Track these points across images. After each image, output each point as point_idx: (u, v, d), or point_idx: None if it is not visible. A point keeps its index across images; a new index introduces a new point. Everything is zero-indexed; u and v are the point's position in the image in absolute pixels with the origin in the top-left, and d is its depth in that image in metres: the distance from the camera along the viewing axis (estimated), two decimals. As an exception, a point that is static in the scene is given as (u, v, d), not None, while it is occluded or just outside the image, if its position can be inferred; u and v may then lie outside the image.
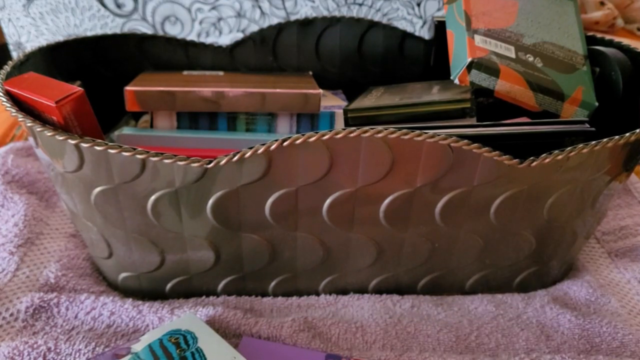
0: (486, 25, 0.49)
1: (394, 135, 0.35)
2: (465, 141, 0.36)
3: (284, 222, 0.40)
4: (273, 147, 0.35)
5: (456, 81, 0.46)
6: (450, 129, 0.38)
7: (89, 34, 0.62)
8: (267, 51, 0.63)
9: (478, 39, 0.47)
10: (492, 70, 0.45)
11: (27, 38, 0.80)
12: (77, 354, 0.40)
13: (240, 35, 0.78)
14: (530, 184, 0.39)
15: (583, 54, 0.50)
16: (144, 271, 0.44)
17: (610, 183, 0.41)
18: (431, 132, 0.36)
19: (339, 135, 0.35)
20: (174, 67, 0.61)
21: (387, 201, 0.39)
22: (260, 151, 0.35)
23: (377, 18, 0.82)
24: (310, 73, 0.63)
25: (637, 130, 0.38)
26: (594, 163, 0.39)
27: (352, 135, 0.35)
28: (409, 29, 0.82)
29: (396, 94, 0.53)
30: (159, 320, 0.43)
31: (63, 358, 0.39)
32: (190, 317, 0.41)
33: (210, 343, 0.38)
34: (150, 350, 0.37)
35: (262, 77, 0.57)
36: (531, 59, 0.47)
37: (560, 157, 0.37)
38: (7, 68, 0.42)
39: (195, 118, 0.52)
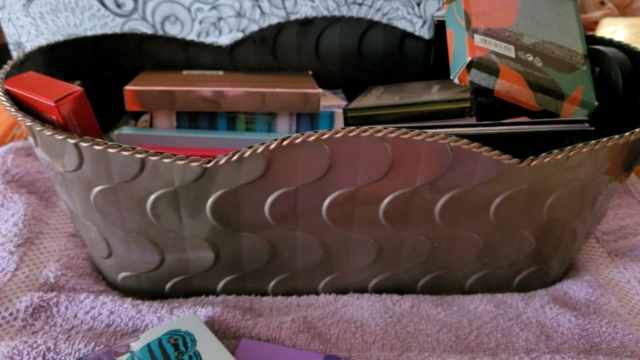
0: (486, 24, 0.49)
1: (393, 135, 0.35)
2: (465, 140, 0.36)
3: (284, 221, 0.40)
4: (272, 146, 0.35)
5: (456, 80, 0.46)
6: (450, 129, 0.38)
7: (89, 33, 0.62)
8: (267, 51, 0.63)
9: (478, 38, 0.47)
10: (492, 70, 0.45)
11: (27, 38, 0.80)
12: (77, 353, 0.39)
13: (240, 35, 0.78)
14: (530, 184, 0.39)
15: (583, 54, 0.50)
16: (144, 271, 0.44)
17: (610, 183, 0.41)
18: (430, 131, 0.35)
19: (338, 135, 0.35)
20: (173, 66, 0.61)
21: (386, 201, 0.39)
22: (259, 150, 0.35)
23: (377, 18, 0.82)
24: (310, 73, 0.63)
25: (637, 130, 0.38)
26: (594, 162, 0.39)
27: (351, 134, 0.35)
28: (409, 28, 0.82)
29: (396, 93, 0.53)
30: (158, 320, 0.43)
31: (62, 357, 0.39)
32: (191, 317, 0.40)
33: (209, 347, 0.38)
34: (149, 350, 0.37)
35: (261, 77, 0.56)
36: (531, 58, 0.47)
37: (559, 156, 0.37)
38: (6, 67, 0.42)
39: (194, 118, 0.52)
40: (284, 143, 0.35)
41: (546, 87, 0.45)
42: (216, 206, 0.39)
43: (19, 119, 0.36)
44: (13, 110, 0.36)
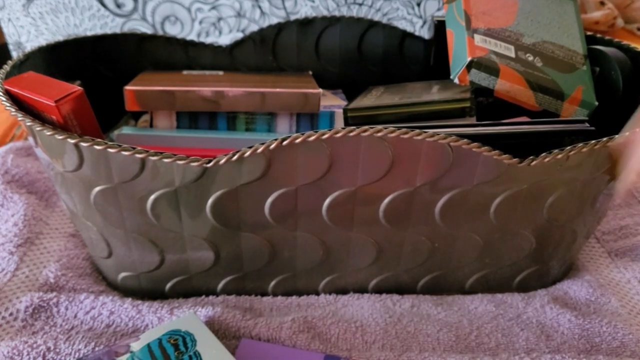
0: (486, 24, 0.49)
1: (393, 135, 0.35)
2: (465, 140, 0.36)
3: (284, 221, 0.40)
4: (272, 146, 0.35)
5: (456, 80, 0.46)
6: (450, 128, 0.38)
7: (89, 33, 0.62)
8: (267, 51, 0.63)
9: (478, 38, 0.47)
10: (492, 70, 0.45)
11: (27, 38, 0.80)
12: (77, 353, 0.39)
13: (240, 35, 0.78)
14: (530, 183, 0.39)
15: (583, 54, 0.50)
16: (144, 271, 0.44)
17: (610, 182, 0.41)
18: (431, 131, 0.35)
19: (338, 135, 0.35)
20: (173, 66, 0.61)
21: (386, 200, 0.39)
22: (259, 150, 0.35)
23: (377, 18, 0.82)
24: (310, 73, 0.63)
25: (637, 130, 0.38)
26: (594, 162, 0.39)
27: (351, 134, 0.35)
28: (409, 28, 0.82)
29: (396, 93, 0.53)
30: (158, 320, 0.43)
31: (62, 358, 0.39)
32: (191, 317, 0.40)
33: (209, 347, 0.38)
34: (149, 350, 0.37)
35: (261, 77, 0.56)
36: (531, 58, 0.47)
37: (560, 156, 0.37)
38: (6, 67, 0.42)
39: (195, 118, 0.52)
40: (284, 143, 0.35)
41: (546, 87, 0.45)
42: (216, 206, 0.39)
43: (19, 119, 0.36)
44: (13, 110, 0.36)
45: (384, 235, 0.42)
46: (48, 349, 0.39)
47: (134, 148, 0.35)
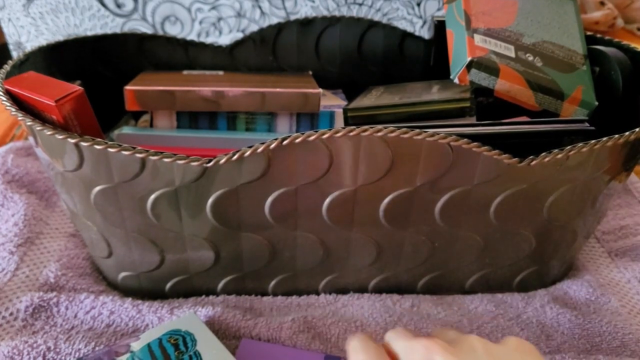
0: (486, 24, 0.49)
1: (393, 134, 0.35)
2: (465, 140, 0.36)
3: (284, 221, 0.40)
4: (273, 146, 0.35)
5: (456, 80, 0.46)
6: (450, 128, 0.38)
7: (89, 34, 0.62)
8: (267, 51, 0.63)
9: (478, 38, 0.47)
10: (492, 70, 0.45)
11: (27, 38, 0.80)
12: (77, 353, 0.39)
13: (240, 35, 0.78)
14: (530, 183, 0.39)
15: (583, 54, 0.50)
16: (144, 270, 0.44)
17: (610, 182, 0.41)
18: (431, 131, 0.35)
19: (338, 134, 0.35)
20: (174, 66, 0.61)
21: (386, 200, 0.39)
22: (259, 150, 0.35)
23: (377, 18, 0.82)
24: (310, 73, 0.63)
25: (637, 130, 0.38)
26: (594, 162, 0.39)
27: (351, 134, 0.35)
28: (409, 28, 0.82)
29: (396, 93, 0.53)
30: (158, 320, 0.43)
31: (63, 357, 0.39)
32: (191, 317, 0.40)
33: (209, 347, 0.38)
34: (149, 350, 0.37)
35: (261, 77, 0.57)
36: (531, 58, 0.47)
37: (560, 156, 0.37)
38: (7, 67, 0.42)
39: (195, 117, 0.52)
40: (284, 143, 0.35)
41: (546, 87, 0.45)
42: (216, 206, 0.39)
43: (19, 118, 0.36)
44: (13, 110, 0.36)
45: (384, 235, 0.42)
46: (48, 348, 0.39)
47: (134, 148, 0.35)
